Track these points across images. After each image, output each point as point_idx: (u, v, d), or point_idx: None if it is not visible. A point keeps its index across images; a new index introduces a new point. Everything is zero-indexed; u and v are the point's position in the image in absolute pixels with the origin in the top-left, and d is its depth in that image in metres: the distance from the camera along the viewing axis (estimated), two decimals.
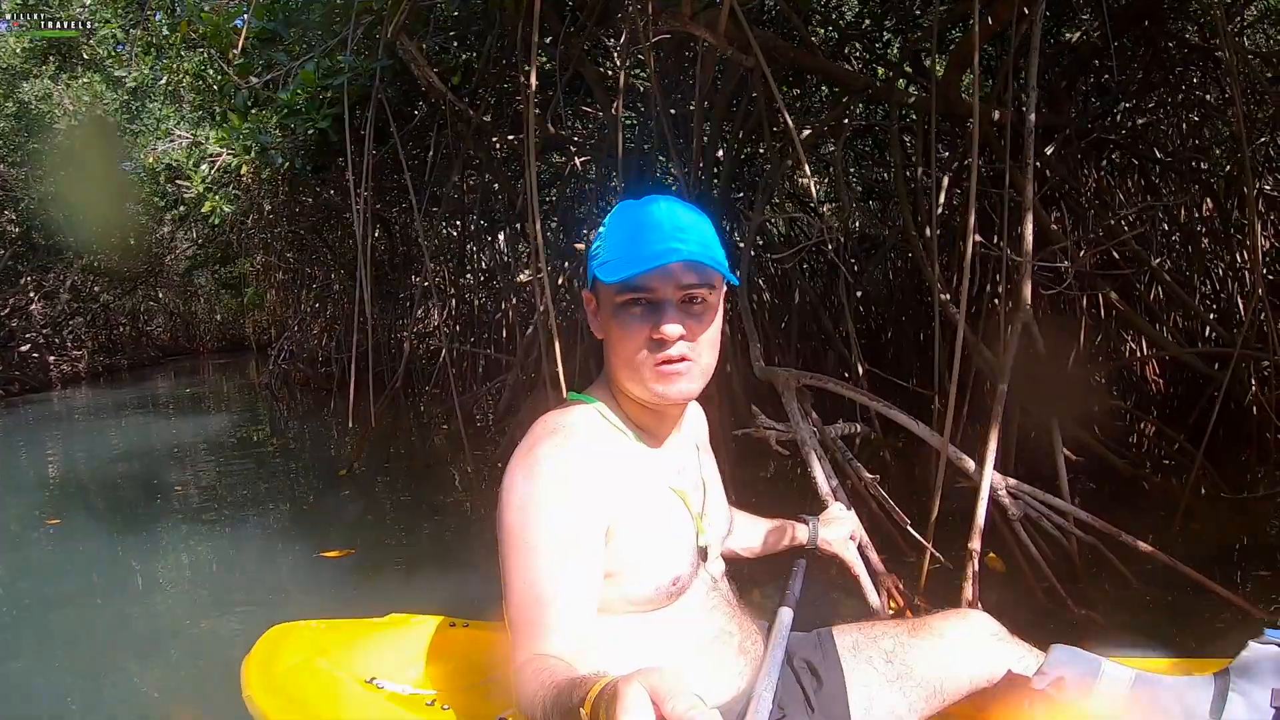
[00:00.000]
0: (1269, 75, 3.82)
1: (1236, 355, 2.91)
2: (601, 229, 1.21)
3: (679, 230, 1.13)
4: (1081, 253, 3.31)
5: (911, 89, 4.31)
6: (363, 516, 4.36)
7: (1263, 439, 3.22)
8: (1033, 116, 2.60)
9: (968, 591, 2.33)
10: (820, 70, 3.95)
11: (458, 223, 6.40)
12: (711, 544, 1.31)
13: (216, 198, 4.53)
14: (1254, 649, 1.26)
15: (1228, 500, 2.99)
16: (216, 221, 4.71)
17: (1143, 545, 2.38)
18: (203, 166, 4.51)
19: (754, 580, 1.46)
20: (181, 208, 5.74)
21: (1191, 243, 3.99)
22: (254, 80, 3.74)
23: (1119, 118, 4.12)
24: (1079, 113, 3.99)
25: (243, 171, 4.41)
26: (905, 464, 3.51)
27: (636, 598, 1.18)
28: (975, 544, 2.37)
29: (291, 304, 8.81)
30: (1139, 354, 4.16)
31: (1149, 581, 2.52)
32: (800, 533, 1.70)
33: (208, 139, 4.83)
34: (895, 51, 4.46)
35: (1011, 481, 2.49)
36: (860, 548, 2.16)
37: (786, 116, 2.71)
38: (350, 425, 4.55)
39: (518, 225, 5.78)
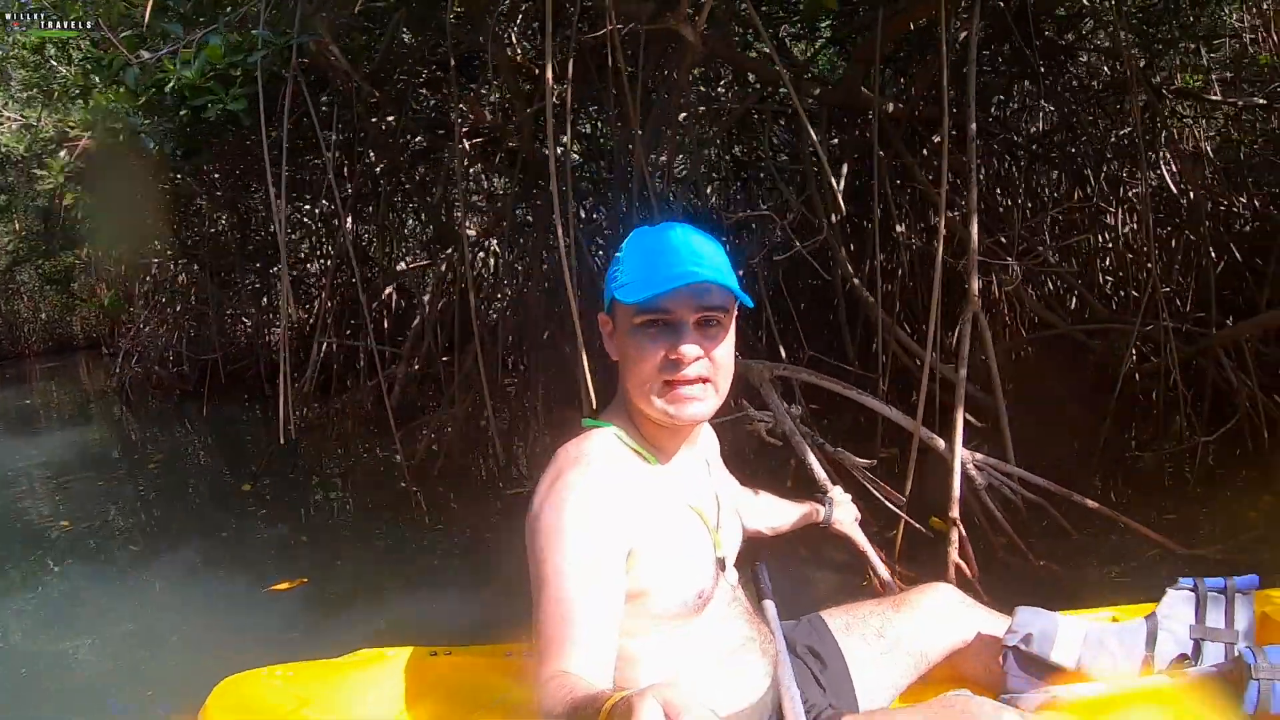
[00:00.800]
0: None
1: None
2: (619, 254, 1.27)
3: (695, 254, 1.19)
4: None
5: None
6: (295, 537, 4.01)
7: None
8: (973, 126, 2.89)
9: (953, 554, 2.59)
10: (735, 61, 4.10)
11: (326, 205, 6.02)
12: (728, 555, 1.38)
13: (78, 189, 4.03)
14: (1171, 595, 1.61)
15: (1134, 457, 3.46)
16: (79, 215, 4.20)
17: (1089, 502, 2.76)
18: (61, 153, 4.00)
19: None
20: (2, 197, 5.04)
21: (1061, 226, 4.47)
22: (145, 55, 3.36)
23: (996, 112, 4.52)
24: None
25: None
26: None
27: (663, 614, 1.23)
28: (954, 512, 2.63)
29: (138, 300, 7.91)
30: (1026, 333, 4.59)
31: (1088, 533, 2.90)
32: (817, 513, 1.91)
33: (39, 120, 4.30)
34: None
35: (978, 456, 2.77)
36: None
37: None
38: (287, 432, 4.18)
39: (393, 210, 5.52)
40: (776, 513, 1.84)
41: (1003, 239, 3.88)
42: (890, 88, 4.41)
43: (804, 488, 2.73)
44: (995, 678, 1.56)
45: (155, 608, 3.23)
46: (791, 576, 2.60)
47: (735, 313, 1.25)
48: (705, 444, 1.49)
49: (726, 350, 1.22)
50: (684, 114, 4.12)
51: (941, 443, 2.73)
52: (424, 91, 4.69)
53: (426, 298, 5.55)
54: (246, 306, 7.38)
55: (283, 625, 2.86)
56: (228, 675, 1.67)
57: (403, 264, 5.99)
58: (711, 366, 1.20)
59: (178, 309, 7.40)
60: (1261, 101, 3.64)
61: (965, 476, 2.72)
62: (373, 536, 3.87)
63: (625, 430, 1.29)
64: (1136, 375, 3.48)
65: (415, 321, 5.41)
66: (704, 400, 1.21)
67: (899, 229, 4.22)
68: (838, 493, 2.07)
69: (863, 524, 2.04)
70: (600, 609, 1.11)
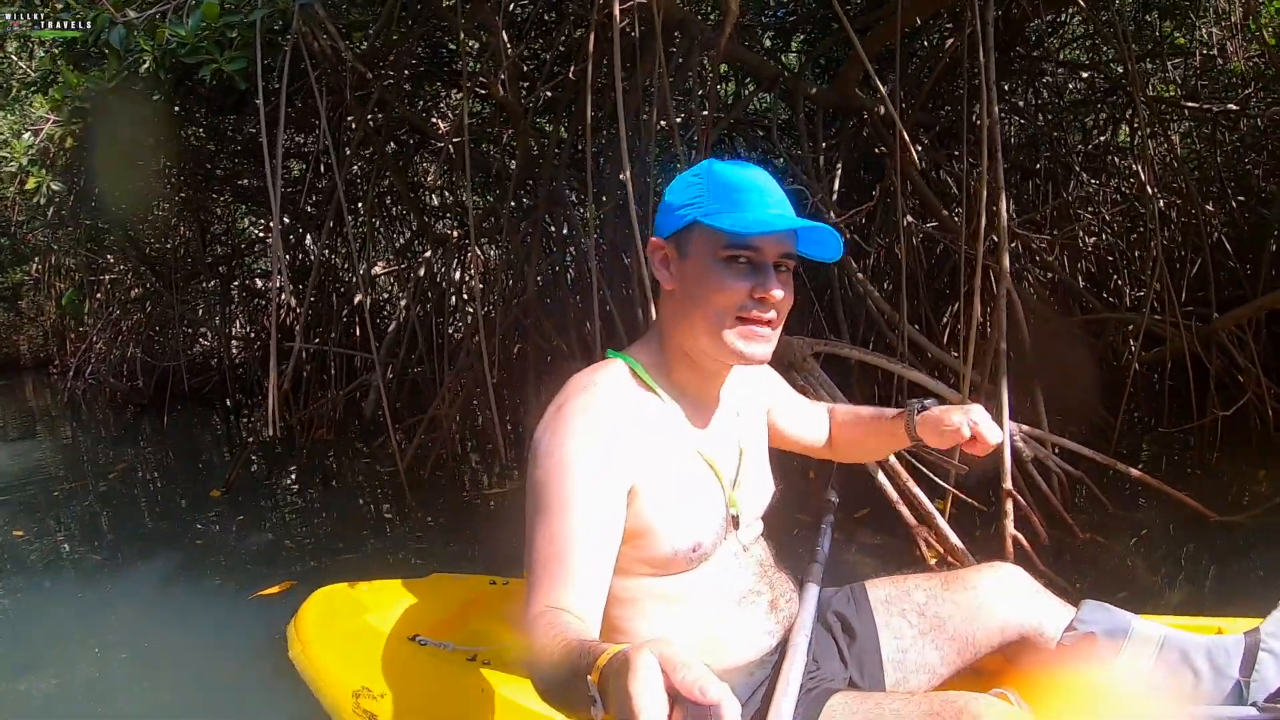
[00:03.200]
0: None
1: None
2: (693, 179, 1.21)
3: (783, 200, 1.19)
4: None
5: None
6: (277, 542, 3.71)
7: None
8: (995, 116, 2.95)
9: (1009, 526, 2.58)
10: (741, 59, 4.12)
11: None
12: (744, 512, 1.31)
13: (42, 172, 3.73)
14: None
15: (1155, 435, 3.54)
16: (42, 201, 3.87)
17: (1133, 470, 2.80)
18: (25, 135, 3.69)
19: (784, 543, 1.49)
20: None
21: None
22: (131, 13, 3.14)
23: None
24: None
25: (68, 143, 3.69)
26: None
27: (653, 559, 1.20)
28: (1007, 483, 2.62)
29: (92, 308, 7.40)
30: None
31: (1120, 506, 2.93)
32: (895, 429, 1.49)
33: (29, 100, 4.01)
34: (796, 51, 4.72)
35: (1025, 428, 2.78)
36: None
37: None
38: (271, 435, 3.88)
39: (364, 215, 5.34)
40: (847, 426, 1.60)
41: (994, 237, 3.98)
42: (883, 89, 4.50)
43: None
44: (1054, 676, 1.37)
45: (127, 619, 2.91)
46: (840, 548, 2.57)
47: (836, 257, 1.24)
48: (748, 387, 1.43)
49: (790, 300, 1.21)
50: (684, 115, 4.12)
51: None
52: (411, 87, 4.57)
53: (403, 302, 5.39)
54: (207, 317, 7.05)
55: (275, 631, 2.54)
56: (219, 678, 1.97)
57: (378, 268, 5.79)
58: (781, 311, 1.20)
59: (133, 320, 6.96)
60: (1234, 108, 3.84)
61: (1012, 449, 2.72)
62: (360, 539, 3.64)
63: (648, 366, 1.25)
64: (1137, 364, 3.57)
65: (391, 326, 5.23)
66: (771, 341, 1.20)
67: (908, 219, 4.29)
68: (934, 404, 1.54)
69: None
70: (597, 545, 1.08)
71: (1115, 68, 4.34)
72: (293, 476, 4.88)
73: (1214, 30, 3.98)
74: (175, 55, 3.10)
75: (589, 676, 0.78)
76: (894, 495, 2.68)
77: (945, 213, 3.80)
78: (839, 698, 1.23)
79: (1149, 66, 4.08)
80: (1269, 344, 3.46)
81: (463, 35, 3.43)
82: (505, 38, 3.40)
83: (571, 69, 3.65)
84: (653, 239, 1.25)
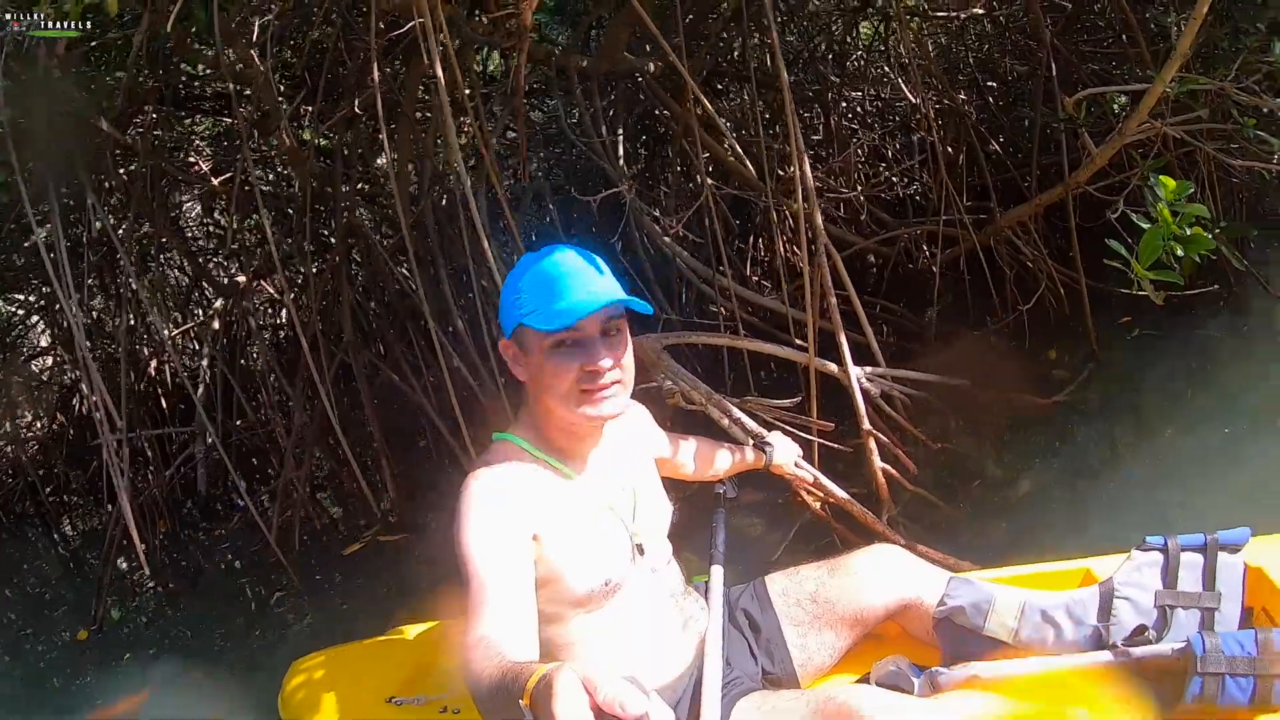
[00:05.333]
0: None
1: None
2: (512, 282, 1.38)
3: (591, 277, 1.33)
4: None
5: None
6: (167, 662, 3.34)
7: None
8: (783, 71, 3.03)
9: (876, 461, 2.77)
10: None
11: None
12: (646, 540, 1.49)
13: None
14: (1136, 557, 1.51)
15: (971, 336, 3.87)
16: None
17: (958, 380, 3.10)
18: None
19: (684, 539, 1.68)
20: None
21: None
22: None
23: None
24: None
25: None
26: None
27: (572, 598, 1.35)
28: (866, 425, 2.82)
29: None
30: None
31: (961, 413, 3.21)
32: (750, 455, 2.02)
33: None
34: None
35: (866, 369, 2.96)
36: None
37: None
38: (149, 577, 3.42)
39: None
40: (708, 457, 1.92)
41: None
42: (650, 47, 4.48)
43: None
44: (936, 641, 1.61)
45: None
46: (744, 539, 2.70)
47: (649, 312, 1.38)
48: (625, 432, 1.58)
49: (629, 351, 1.36)
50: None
51: (834, 366, 2.89)
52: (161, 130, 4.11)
53: (205, 362, 4.94)
54: None
55: None
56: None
57: (168, 329, 5.24)
58: (620, 371, 1.34)
59: None
60: (980, 11, 4.14)
61: (862, 391, 2.90)
62: (260, 627, 3.45)
63: (533, 441, 1.41)
64: (935, 270, 3.89)
65: (200, 391, 4.77)
66: (618, 398, 1.35)
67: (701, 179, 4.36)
68: (776, 436, 2.15)
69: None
70: (511, 578, 1.20)
71: None
72: (154, 590, 4.26)
73: None
74: None
75: (520, 700, 0.83)
76: None
77: (744, 168, 3.91)
78: (743, 701, 1.42)
79: None
80: (1049, 232, 3.82)
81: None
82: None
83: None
84: (500, 341, 1.41)
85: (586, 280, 1.32)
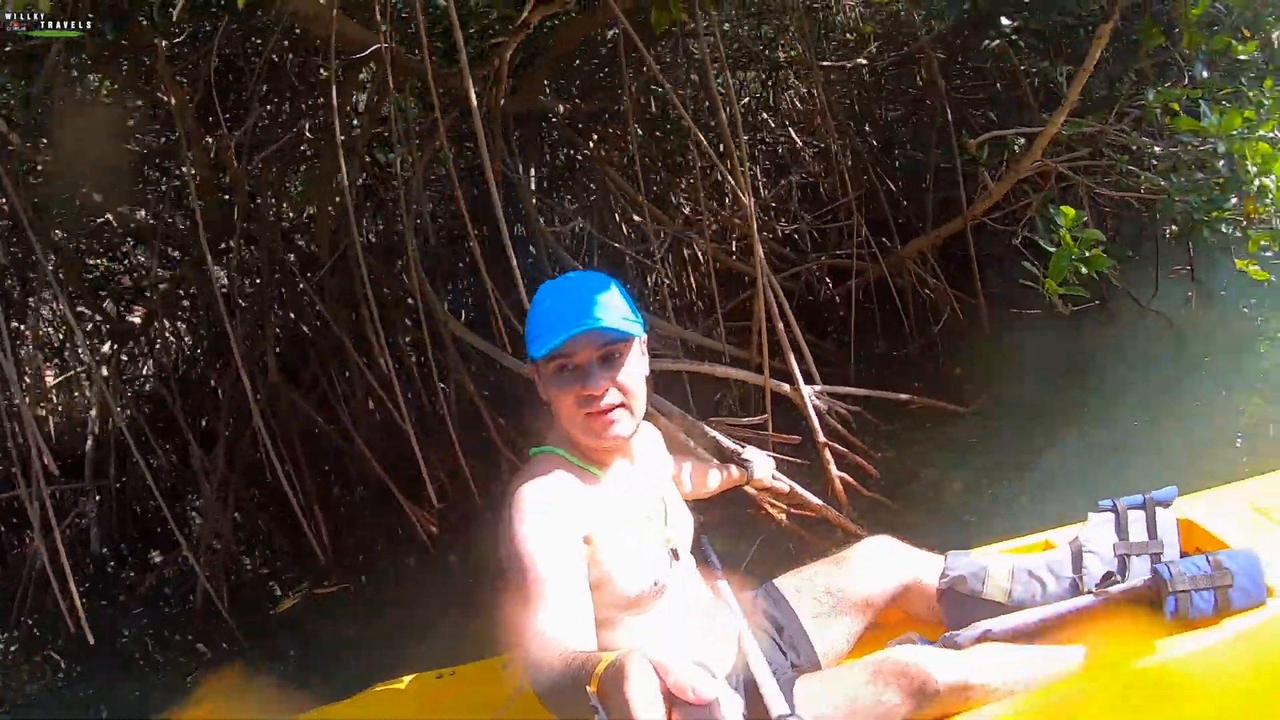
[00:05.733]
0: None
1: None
2: (531, 309, 1.47)
3: (587, 303, 1.39)
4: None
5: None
6: None
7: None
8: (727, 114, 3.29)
9: (833, 470, 3.02)
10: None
11: None
12: (679, 546, 1.57)
13: None
14: (1092, 518, 1.80)
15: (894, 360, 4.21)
16: None
17: (901, 395, 3.40)
18: None
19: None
20: None
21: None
22: None
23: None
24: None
25: None
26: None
27: (624, 600, 1.40)
28: (821, 438, 3.07)
29: None
30: None
31: (897, 425, 3.52)
32: (735, 472, 2.15)
33: None
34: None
35: (814, 388, 3.22)
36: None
37: None
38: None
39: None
40: (702, 477, 2.03)
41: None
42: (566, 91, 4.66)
43: None
44: (940, 616, 1.77)
45: None
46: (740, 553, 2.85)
47: (640, 337, 1.45)
48: (646, 448, 1.68)
49: (631, 374, 1.41)
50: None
51: (787, 387, 3.14)
52: None
53: (93, 413, 4.60)
54: None
55: None
56: None
57: (50, 377, 4.88)
58: (621, 393, 1.40)
59: None
60: (864, 62, 4.58)
61: (814, 409, 3.15)
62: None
63: (569, 450, 1.46)
64: (838, 299, 4.26)
65: (89, 444, 4.45)
66: (621, 422, 1.41)
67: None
68: (751, 451, 2.30)
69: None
70: (568, 575, 1.23)
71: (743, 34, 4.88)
72: (72, 670, 3.91)
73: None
74: None
75: (588, 686, 0.84)
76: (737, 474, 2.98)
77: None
78: (800, 684, 1.52)
79: (780, 33, 4.65)
80: (945, 261, 4.24)
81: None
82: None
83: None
84: (527, 365, 1.48)
85: (580, 307, 1.37)
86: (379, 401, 3.84)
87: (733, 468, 2.16)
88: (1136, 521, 1.77)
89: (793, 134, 5.13)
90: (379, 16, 2.39)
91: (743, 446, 2.47)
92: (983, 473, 3.22)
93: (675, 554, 1.54)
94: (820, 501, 2.74)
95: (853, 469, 3.08)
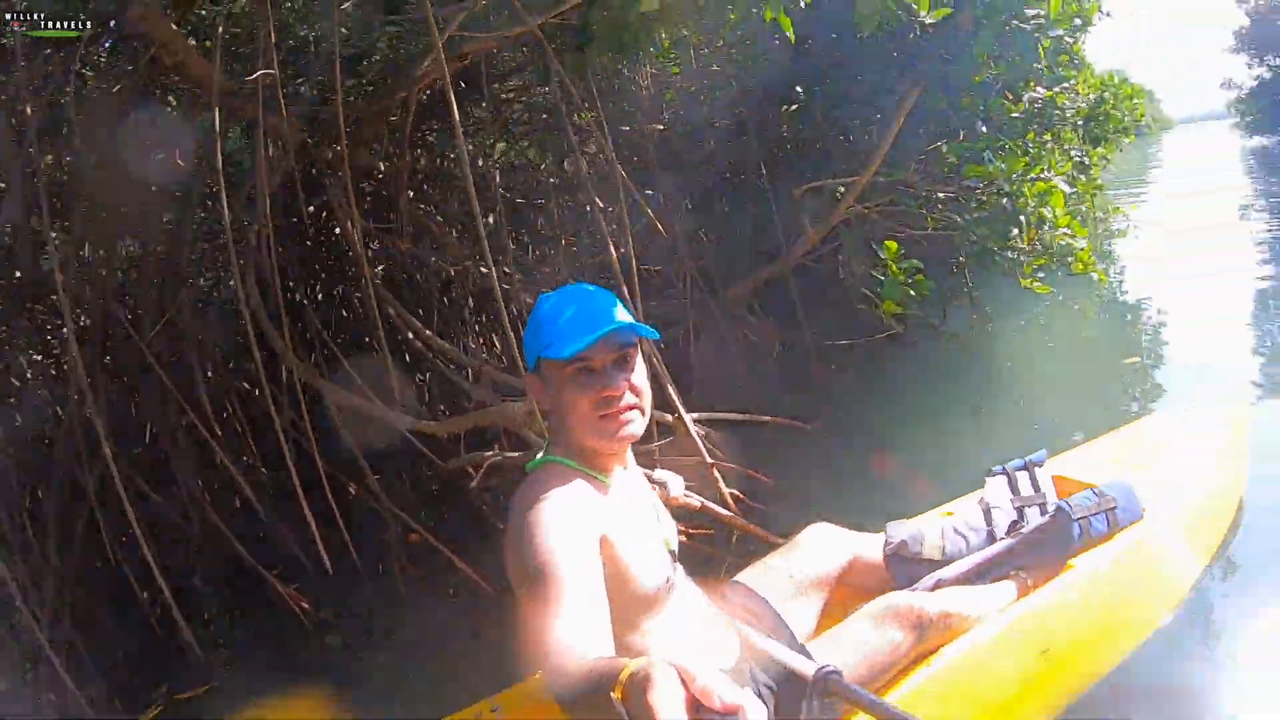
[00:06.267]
0: None
1: None
2: (536, 318, 1.49)
3: (601, 309, 1.45)
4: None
5: None
6: None
7: None
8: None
9: (722, 486, 3.24)
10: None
11: None
12: (675, 549, 1.63)
13: None
14: (989, 481, 2.17)
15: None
16: None
17: (775, 418, 3.76)
18: None
19: None
20: None
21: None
22: None
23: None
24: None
25: None
26: None
27: (640, 596, 1.44)
28: (707, 459, 3.30)
29: None
30: None
31: (757, 447, 3.85)
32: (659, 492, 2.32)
33: None
34: None
35: (694, 415, 3.47)
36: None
37: None
38: None
39: None
40: None
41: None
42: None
43: None
44: (886, 583, 1.96)
45: None
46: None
47: (652, 338, 1.54)
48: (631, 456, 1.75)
49: (642, 376, 1.48)
50: None
51: (670, 416, 3.36)
52: None
53: None
54: None
55: None
56: None
57: None
58: (635, 394, 1.45)
59: None
60: (661, 127, 5.03)
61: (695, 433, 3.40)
62: None
63: (572, 458, 1.49)
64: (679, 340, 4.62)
65: None
66: (635, 422, 1.46)
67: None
68: (663, 473, 2.35)
69: None
70: (586, 581, 1.23)
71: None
72: None
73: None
74: None
75: (613, 693, 0.85)
76: None
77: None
78: (811, 647, 1.67)
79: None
80: (770, 304, 4.74)
81: None
82: None
83: None
84: (525, 375, 1.54)
85: (596, 310, 1.43)
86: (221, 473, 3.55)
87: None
88: (1024, 479, 2.17)
89: (595, 199, 5.46)
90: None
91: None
92: (837, 477, 3.63)
93: (673, 554, 1.59)
94: (728, 512, 2.97)
95: (739, 482, 3.34)
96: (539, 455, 1.52)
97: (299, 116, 3.17)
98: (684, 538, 3.08)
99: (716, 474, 3.26)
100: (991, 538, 2.06)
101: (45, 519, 3.21)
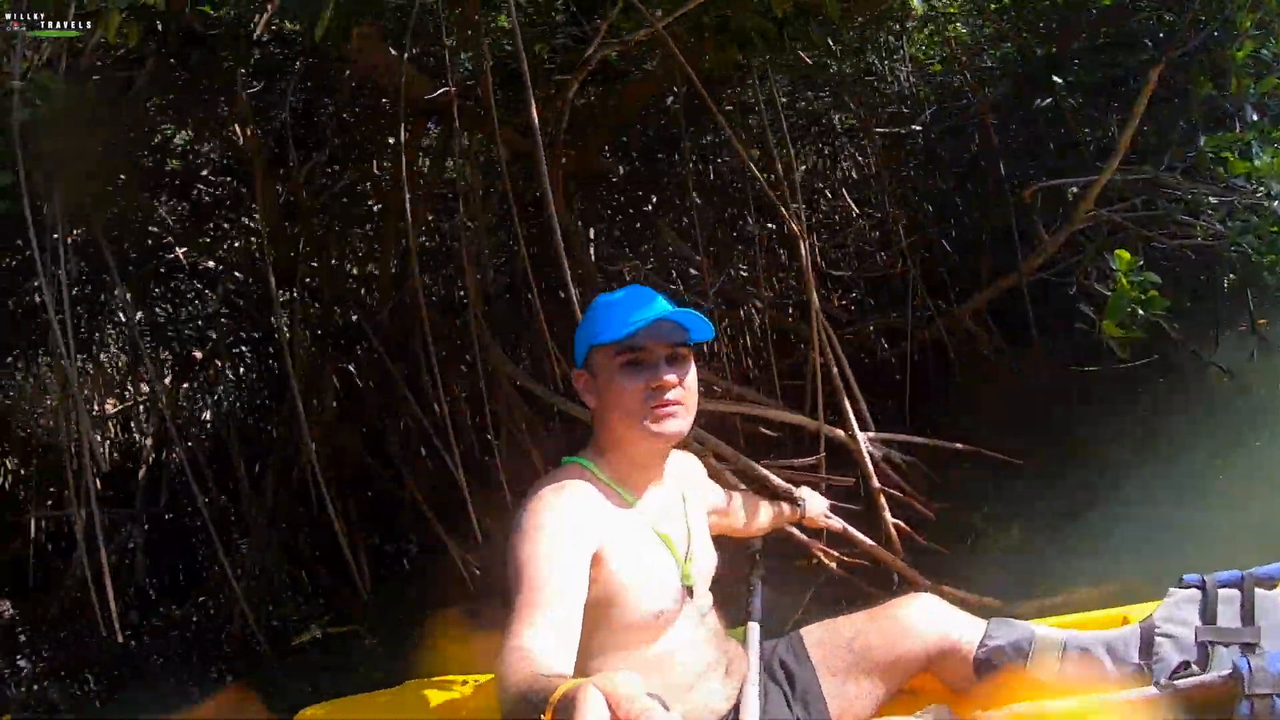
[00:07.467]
0: None
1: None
2: (589, 315, 1.51)
3: (658, 302, 1.47)
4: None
5: None
6: None
7: None
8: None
9: (888, 517, 2.95)
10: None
11: None
12: (697, 582, 1.53)
13: None
14: (1173, 595, 1.54)
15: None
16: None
17: (957, 445, 3.35)
18: None
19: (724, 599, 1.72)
20: None
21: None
22: None
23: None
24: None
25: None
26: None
27: (623, 624, 1.38)
28: (876, 483, 3.03)
29: None
30: None
31: (950, 476, 3.46)
32: (786, 509, 2.12)
33: None
34: None
35: (869, 434, 3.20)
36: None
37: None
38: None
39: None
40: (753, 512, 1.98)
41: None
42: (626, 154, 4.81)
43: None
44: (969, 683, 1.59)
45: None
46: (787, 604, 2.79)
47: (708, 339, 1.52)
48: (682, 476, 1.65)
49: (693, 378, 1.46)
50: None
51: (841, 432, 3.12)
52: None
53: (149, 441, 4.78)
54: None
55: None
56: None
57: (110, 404, 5.10)
58: (683, 392, 1.43)
59: None
60: (918, 129, 4.67)
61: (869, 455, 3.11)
62: None
63: (598, 463, 1.48)
64: (893, 361, 4.27)
65: (142, 472, 4.58)
66: (680, 418, 1.43)
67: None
68: (804, 491, 2.25)
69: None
70: (561, 592, 1.22)
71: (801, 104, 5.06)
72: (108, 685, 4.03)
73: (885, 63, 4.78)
74: None
75: (542, 716, 0.84)
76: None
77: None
78: None
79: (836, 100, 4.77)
80: (1000, 320, 4.22)
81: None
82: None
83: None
84: (573, 372, 1.51)
85: (653, 302, 1.45)
86: (432, 451, 3.89)
87: (785, 505, 2.13)
88: (1229, 603, 1.49)
89: (848, 199, 5.22)
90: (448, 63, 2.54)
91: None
92: (1039, 528, 3.13)
93: (690, 591, 1.50)
94: (872, 542, 2.69)
95: (906, 517, 3.02)
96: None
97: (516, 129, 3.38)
98: (835, 565, 2.86)
99: (883, 500, 2.96)
100: (1140, 678, 1.46)
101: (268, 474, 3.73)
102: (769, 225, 4.81)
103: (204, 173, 3.97)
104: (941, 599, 1.73)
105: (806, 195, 5.37)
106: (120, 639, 2.54)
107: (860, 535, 2.66)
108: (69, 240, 3.44)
